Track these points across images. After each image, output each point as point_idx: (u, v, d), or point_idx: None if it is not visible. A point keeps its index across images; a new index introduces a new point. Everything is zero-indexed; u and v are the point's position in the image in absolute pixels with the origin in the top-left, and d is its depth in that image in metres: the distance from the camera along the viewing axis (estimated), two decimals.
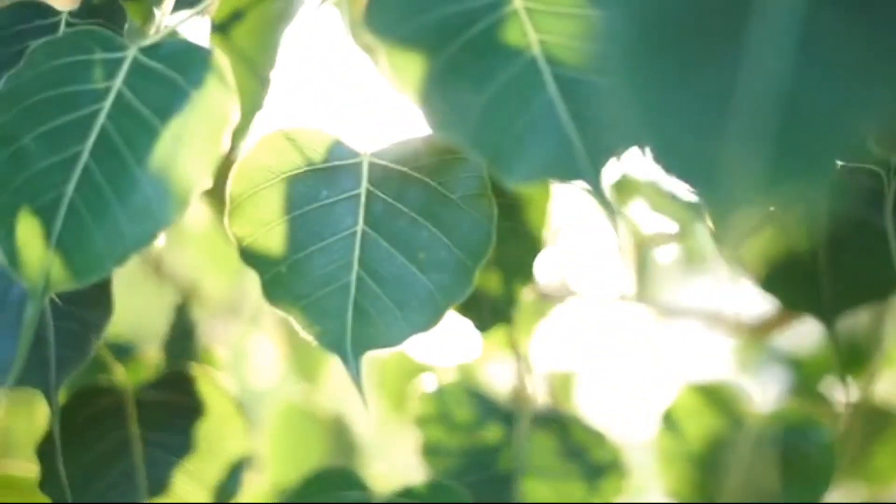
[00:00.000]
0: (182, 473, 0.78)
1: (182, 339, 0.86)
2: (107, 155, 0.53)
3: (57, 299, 0.68)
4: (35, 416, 0.96)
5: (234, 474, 0.79)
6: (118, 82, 0.55)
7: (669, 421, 0.90)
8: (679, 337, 1.17)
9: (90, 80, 0.55)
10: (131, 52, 0.56)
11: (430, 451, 0.84)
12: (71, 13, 0.68)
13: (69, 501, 0.75)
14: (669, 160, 0.32)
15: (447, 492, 0.77)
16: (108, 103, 0.54)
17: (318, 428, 1.05)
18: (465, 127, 0.51)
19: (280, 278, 0.56)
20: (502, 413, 0.86)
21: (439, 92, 0.51)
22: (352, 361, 0.55)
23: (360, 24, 0.92)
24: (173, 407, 0.80)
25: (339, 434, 1.04)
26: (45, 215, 0.53)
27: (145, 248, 0.52)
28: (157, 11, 0.66)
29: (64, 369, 0.70)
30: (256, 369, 1.17)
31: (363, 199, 0.57)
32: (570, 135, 0.50)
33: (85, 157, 0.54)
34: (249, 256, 0.56)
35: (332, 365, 1.08)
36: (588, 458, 0.85)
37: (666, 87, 0.32)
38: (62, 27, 0.67)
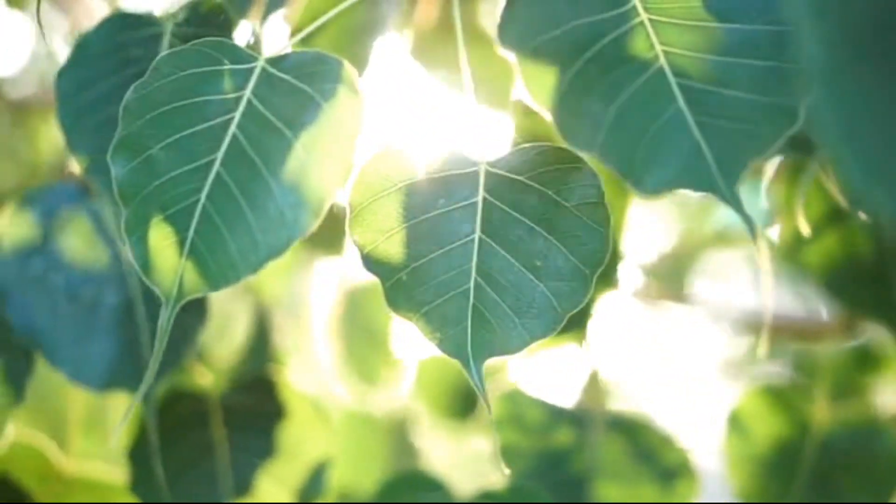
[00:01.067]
0: (265, 475, 0.79)
1: (260, 343, 0.87)
2: (239, 164, 0.54)
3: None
4: None
5: (317, 476, 0.80)
6: (247, 93, 0.56)
7: (736, 424, 0.91)
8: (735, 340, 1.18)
9: (219, 91, 0.56)
10: (259, 63, 0.57)
11: (506, 453, 0.85)
12: (177, 24, 0.68)
13: (161, 502, 0.76)
14: (866, 171, 0.33)
15: (527, 493, 0.78)
16: (238, 113, 0.55)
17: (377, 430, 1.06)
18: (596, 137, 0.52)
19: (401, 285, 0.57)
20: (571, 416, 0.87)
21: (570, 103, 0.52)
22: (473, 368, 0.56)
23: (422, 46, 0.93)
24: (257, 410, 0.81)
25: (399, 436, 1.05)
26: (178, 223, 0.54)
27: (279, 256, 0.53)
28: (251, 23, 0.67)
29: (159, 373, 0.71)
30: (314, 371, 1.18)
31: (480, 207, 0.58)
32: (701, 145, 0.51)
33: (217, 166, 0.55)
34: (371, 264, 0.57)
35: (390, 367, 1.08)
36: (659, 461, 0.86)
37: (867, 97, 0.33)
38: (166, 37, 0.68)
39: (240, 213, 0.54)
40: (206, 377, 0.82)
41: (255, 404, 0.81)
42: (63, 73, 0.68)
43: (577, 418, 0.87)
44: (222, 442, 0.81)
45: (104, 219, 0.76)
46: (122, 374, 0.73)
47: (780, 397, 0.91)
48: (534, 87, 0.52)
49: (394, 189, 0.57)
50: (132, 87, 0.57)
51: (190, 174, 0.55)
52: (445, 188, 0.58)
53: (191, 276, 0.54)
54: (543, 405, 0.87)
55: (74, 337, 0.73)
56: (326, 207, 0.53)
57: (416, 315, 0.56)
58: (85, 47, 0.69)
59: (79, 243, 0.75)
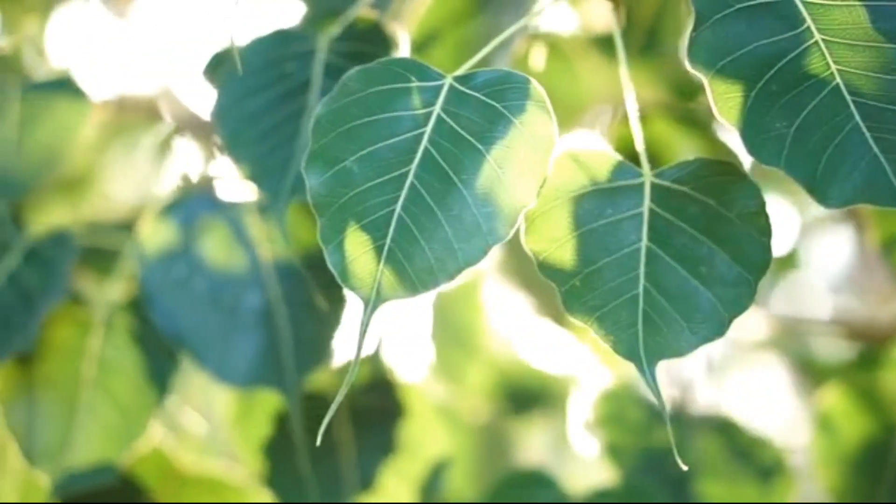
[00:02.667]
0: (388, 472, 0.82)
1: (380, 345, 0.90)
2: (433, 176, 0.58)
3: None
4: None
5: (437, 474, 0.83)
6: (437, 109, 0.59)
7: (824, 423, 0.94)
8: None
9: (409, 107, 0.59)
10: (447, 81, 0.60)
11: (611, 452, 0.88)
12: (332, 40, 0.72)
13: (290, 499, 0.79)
14: None
15: (641, 492, 0.81)
16: (429, 128, 0.59)
17: (468, 430, 1.09)
18: (780, 153, 0.55)
19: (575, 291, 0.60)
20: (669, 415, 0.90)
21: (755, 120, 0.55)
22: (646, 369, 0.59)
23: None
24: (380, 410, 0.84)
25: (489, 434, 1.08)
26: (375, 232, 0.57)
27: (476, 263, 0.57)
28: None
29: (299, 373, 0.74)
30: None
31: (646, 217, 0.61)
32: (881, 160, 0.54)
33: (411, 177, 0.58)
34: (546, 270, 0.60)
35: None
36: (755, 460, 0.89)
37: None
38: (321, 54, 0.71)
39: (436, 222, 0.57)
40: (332, 377, 0.84)
41: (379, 404, 0.84)
42: (223, 87, 0.71)
43: (674, 417, 0.90)
44: (348, 440, 0.84)
45: (242, 225, 0.78)
46: (265, 372, 0.76)
47: (867, 396, 0.94)
48: (721, 105, 0.55)
49: (564, 200, 0.60)
50: (322, 102, 0.60)
51: (384, 185, 0.58)
52: (612, 199, 0.61)
53: (389, 282, 0.57)
54: (643, 404, 0.90)
55: (217, 338, 0.77)
56: (521, 217, 0.56)
57: (590, 319, 0.60)
58: (242, 62, 0.72)
59: (218, 249, 0.78)
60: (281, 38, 0.73)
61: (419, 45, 0.82)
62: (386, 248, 0.57)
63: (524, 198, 0.56)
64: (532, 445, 1.21)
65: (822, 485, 0.94)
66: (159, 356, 0.78)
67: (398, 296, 0.57)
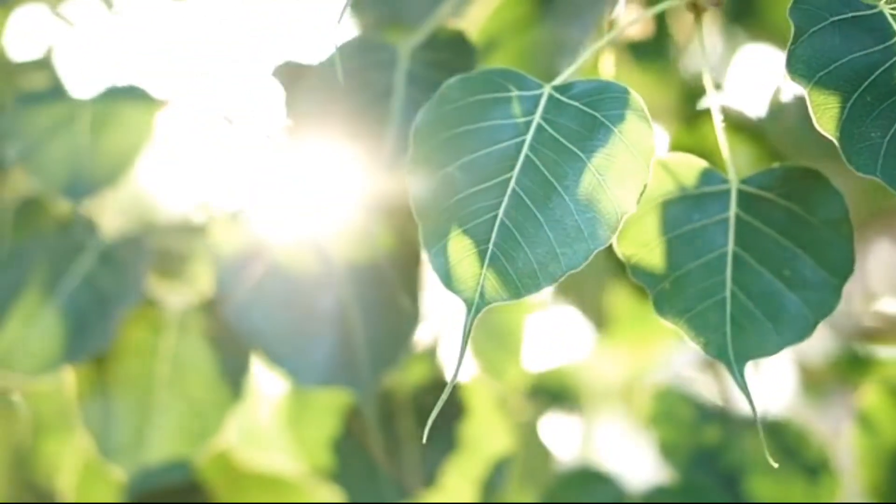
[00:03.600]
0: (450, 469, 0.84)
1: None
2: (534, 182, 0.59)
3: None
4: None
5: (499, 472, 0.85)
6: (537, 117, 0.61)
7: (865, 422, 0.96)
8: None
9: (509, 115, 0.61)
10: (546, 90, 0.62)
11: (664, 450, 0.90)
12: (414, 49, 0.73)
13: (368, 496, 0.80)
14: None
15: (699, 490, 0.83)
16: (529, 136, 0.61)
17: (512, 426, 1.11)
18: (875, 162, 0.58)
19: (665, 294, 0.62)
20: (717, 413, 0.93)
21: (851, 130, 0.58)
22: (736, 369, 0.61)
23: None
24: (442, 409, 0.86)
25: (531, 432, 1.10)
26: (478, 236, 0.59)
27: (579, 267, 0.58)
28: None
29: (375, 372, 0.76)
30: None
31: (732, 222, 0.63)
32: None
33: (512, 184, 0.60)
34: (637, 273, 0.62)
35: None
36: (802, 458, 0.91)
37: None
38: (403, 62, 0.73)
39: (538, 227, 0.59)
40: (397, 376, 0.86)
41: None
42: (308, 94, 0.73)
43: (722, 416, 0.92)
44: (411, 438, 0.85)
45: (317, 228, 0.80)
46: (339, 372, 0.78)
47: None
48: (820, 116, 0.57)
49: (653, 205, 0.63)
50: (421, 111, 0.62)
51: (487, 191, 0.60)
52: (699, 204, 0.63)
53: (491, 285, 0.59)
54: (692, 403, 0.92)
55: (291, 339, 0.78)
56: (623, 222, 0.58)
57: (679, 321, 0.62)
58: (324, 70, 0.74)
59: (289, 255, 0.80)
60: (364, 47, 0.75)
61: (481, 52, 0.84)
62: (489, 252, 0.59)
63: (625, 204, 0.58)
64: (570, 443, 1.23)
65: (862, 483, 0.95)
66: (233, 357, 0.80)
67: (501, 299, 0.59)
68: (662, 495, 0.84)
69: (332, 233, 0.79)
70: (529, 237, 0.59)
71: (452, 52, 0.73)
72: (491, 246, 0.59)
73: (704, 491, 0.84)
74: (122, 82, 0.88)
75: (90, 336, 0.80)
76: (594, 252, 0.58)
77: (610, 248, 0.60)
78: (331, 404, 0.90)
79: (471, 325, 0.59)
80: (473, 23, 0.87)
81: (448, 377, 0.89)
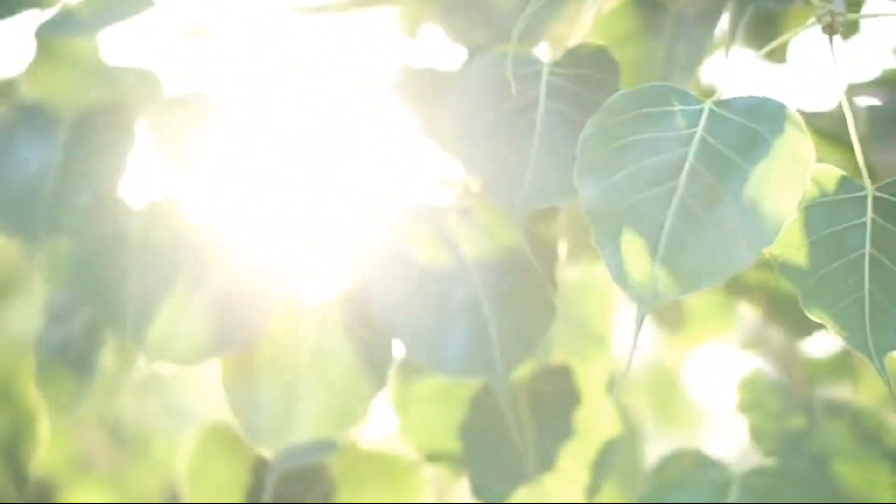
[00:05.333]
0: (565, 453, 0.90)
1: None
2: (699, 189, 0.66)
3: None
4: None
5: (610, 455, 0.90)
6: (699, 130, 0.67)
7: None
8: None
9: (673, 128, 0.67)
10: (707, 105, 0.68)
11: (755, 436, 0.96)
12: (555, 63, 0.80)
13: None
14: None
15: (795, 473, 0.89)
16: (693, 147, 0.67)
17: None
18: None
19: (811, 291, 0.68)
20: (799, 400, 0.99)
21: None
22: (876, 361, 0.68)
23: None
24: (556, 395, 0.92)
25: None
26: (648, 238, 0.66)
27: (744, 268, 0.65)
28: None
29: (508, 363, 0.82)
30: None
31: (869, 226, 0.70)
32: None
33: (679, 190, 0.66)
34: (786, 272, 0.69)
35: None
36: (882, 445, 0.97)
37: None
38: (544, 75, 0.79)
39: (704, 231, 0.65)
40: None
41: (556, 389, 0.91)
42: (448, 105, 0.79)
43: (804, 403, 0.98)
44: (527, 424, 0.91)
45: (445, 227, 0.86)
46: (475, 362, 0.84)
47: None
48: None
49: (799, 210, 0.69)
50: (590, 122, 0.68)
51: (654, 198, 0.66)
52: (838, 210, 0.70)
53: (663, 282, 0.65)
54: (778, 390, 0.99)
55: (429, 329, 0.84)
56: (784, 226, 0.65)
57: (825, 315, 0.68)
58: (466, 80, 0.80)
59: (425, 249, 0.86)
60: (505, 60, 0.81)
61: None
62: (659, 252, 0.65)
63: (786, 210, 0.65)
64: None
65: None
66: (374, 347, 0.86)
67: (671, 295, 0.65)
68: (760, 476, 0.89)
69: (469, 229, 0.84)
70: (696, 239, 0.65)
71: (595, 66, 0.79)
72: (661, 247, 0.65)
73: (801, 473, 0.89)
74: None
75: (240, 328, 0.85)
76: (758, 253, 0.65)
77: None
78: (453, 390, 0.97)
79: (643, 318, 0.65)
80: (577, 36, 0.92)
81: (565, 363, 0.94)
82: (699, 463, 0.92)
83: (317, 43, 1.17)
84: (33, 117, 1.06)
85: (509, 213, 0.78)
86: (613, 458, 0.91)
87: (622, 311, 1.14)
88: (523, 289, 0.84)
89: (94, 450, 2.60)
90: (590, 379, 0.92)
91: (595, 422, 0.91)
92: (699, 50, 0.85)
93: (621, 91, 0.69)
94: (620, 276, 0.65)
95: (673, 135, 0.67)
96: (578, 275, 1.10)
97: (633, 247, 0.65)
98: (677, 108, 0.68)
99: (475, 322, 0.83)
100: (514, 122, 0.79)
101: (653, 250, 0.65)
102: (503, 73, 0.80)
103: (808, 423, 0.97)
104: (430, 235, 0.86)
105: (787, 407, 0.98)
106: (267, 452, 0.86)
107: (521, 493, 0.90)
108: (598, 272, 1.14)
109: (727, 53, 0.81)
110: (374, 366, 0.86)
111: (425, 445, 1.01)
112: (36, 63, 1.13)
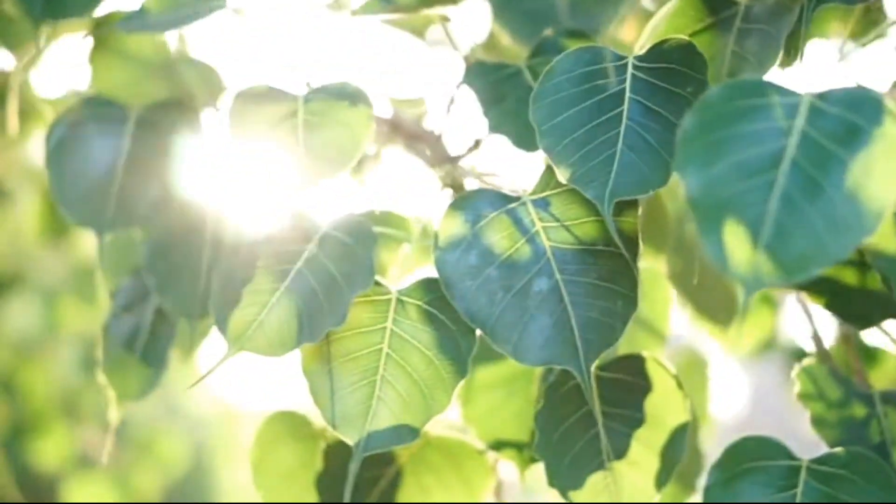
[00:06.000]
0: (636, 441, 0.92)
1: None
2: (801, 180, 0.68)
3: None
4: None
5: (679, 441, 0.92)
6: (799, 122, 0.69)
7: None
8: None
9: (772, 120, 0.69)
10: (805, 98, 0.70)
11: (817, 424, 0.98)
12: (637, 57, 0.81)
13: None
14: None
15: (865, 460, 0.91)
16: (793, 138, 0.69)
17: None
18: None
19: None
20: (856, 391, 1.01)
21: None
22: None
23: None
24: (627, 385, 0.94)
25: None
26: (752, 226, 0.67)
27: (847, 255, 0.67)
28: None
29: (590, 352, 0.83)
30: None
31: None
32: None
33: (780, 179, 0.68)
34: (878, 261, 0.71)
35: None
36: None
37: None
38: (629, 70, 0.81)
39: (806, 219, 0.67)
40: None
41: (626, 380, 0.93)
42: (538, 99, 0.81)
43: (861, 393, 1.00)
44: (599, 413, 0.93)
45: (520, 217, 0.88)
46: (557, 351, 0.86)
47: None
48: None
49: None
50: (688, 115, 0.70)
51: (756, 186, 0.68)
52: None
53: (766, 269, 0.67)
54: (836, 381, 1.01)
55: (511, 320, 0.86)
56: (887, 215, 0.67)
57: None
58: (551, 76, 0.82)
59: (503, 240, 0.87)
60: (592, 55, 0.83)
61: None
62: (762, 240, 0.67)
63: (887, 199, 0.67)
64: None
65: None
66: (457, 337, 0.87)
67: (773, 282, 0.67)
68: (829, 462, 0.91)
69: (546, 220, 0.86)
70: (799, 228, 0.67)
71: (681, 60, 0.80)
72: (763, 235, 0.67)
73: (869, 461, 0.91)
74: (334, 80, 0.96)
75: (324, 318, 0.86)
76: (859, 242, 0.67)
77: None
78: (516, 380, 0.99)
79: (747, 303, 0.67)
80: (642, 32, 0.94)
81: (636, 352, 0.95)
82: (768, 449, 0.93)
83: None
84: (102, 111, 1.08)
85: (598, 203, 0.79)
86: (682, 445, 0.93)
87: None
88: (603, 279, 0.85)
89: (96, 447, 2.61)
90: (659, 367, 0.94)
91: (665, 410, 0.93)
92: (771, 44, 0.87)
93: (719, 84, 0.71)
94: (723, 263, 0.67)
95: (772, 127, 0.69)
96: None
97: (735, 235, 0.67)
98: (775, 100, 0.70)
99: (556, 312, 0.85)
100: (601, 115, 0.81)
101: (755, 238, 0.67)
102: (589, 68, 0.82)
103: (867, 413, 0.99)
104: (508, 226, 0.87)
105: (846, 396, 1.00)
106: (348, 439, 0.87)
107: (593, 480, 0.91)
108: (657, 267, 1.16)
109: (802, 48, 0.82)
110: (456, 354, 0.87)
111: (489, 434, 1.03)
112: (94, 58, 1.15)
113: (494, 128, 0.93)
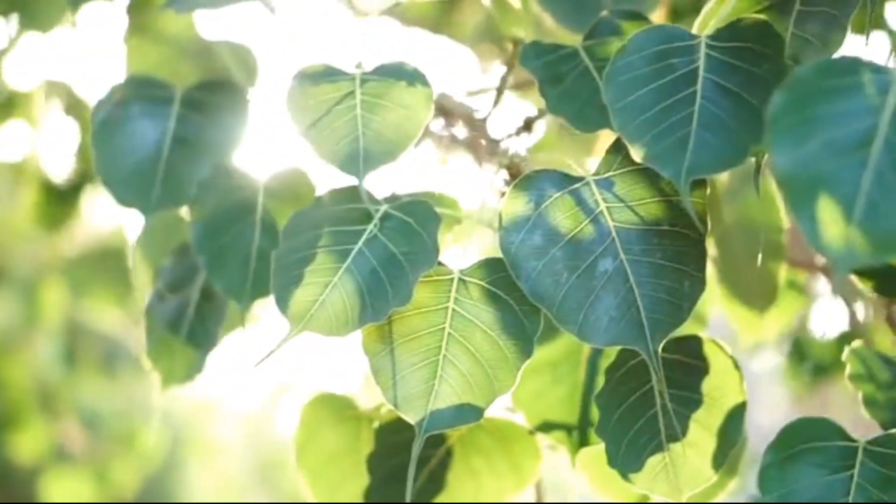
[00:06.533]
0: (694, 423, 0.92)
1: None
2: (893, 156, 0.68)
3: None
4: None
5: (736, 422, 0.92)
6: (892, 99, 0.69)
7: None
8: None
9: (863, 98, 0.70)
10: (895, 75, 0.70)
11: (868, 404, 0.98)
12: (710, 36, 0.82)
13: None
14: None
15: None
16: (884, 117, 0.69)
17: None
18: None
19: None
20: None
21: None
22: None
23: None
24: (685, 367, 0.94)
25: None
26: (845, 203, 0.68)
27: None
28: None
29: (657, 332, 0.83)
30: None
31: None
32: None
33: (874, 158, 0.68)
34: None
35: None
36: None
37: None
38: (702, 49, 0.81)
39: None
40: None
41: (685, 360, 0.93)
42: (610, 78, 0.81)
43: None
44: (659, 393, 0.93)
45: (585, 199, 0.88)
46: (623, 331, 0.86)
47: None
48: None
49: None
50: (777, 94, 0.70)
51: (848, 165, 0.68)
52: None
53: (860, 245, 0.67)
54: (884, 362, 1.01)
55: (577, 301, 0.86)
56: None
57: None
58: (623, 56, 0.82)
59: (567, 220, 0.87)
60: (664, 35, 0.83)
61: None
62: (854, 217, 0.67)
63: None
64: None
65: None
66: (520, 316, 0.87)
67: (867, 258, 0.68)
68: (889, 444, 0.91)
69: (610, 201, 0.86)
70: (891, 205, 0.67)
71: (757, 39, 0.81)
72: (856, 212, 0.67)
73: None
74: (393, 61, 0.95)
75: (389, 298, 0.86)
76: None
77: None
78: (564, 361, 0.99)
79: (842, 281, 0.67)
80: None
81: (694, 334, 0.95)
82: (824, 430, 0.93)
83: None
84: (147, 90, 1.07)
85: (675, 181, 0.79)
86: (739, 426, 0.93)
87: None
88: (669, 259, 0.85)
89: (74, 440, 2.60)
90: (717, 349, 0.94)
91: (722, 391, 0.93)
92: (836, 26, 0.87)
93: (809, 64, 0.71)
94: (817, 240, 0.67)
95: (864, 104, 0.69)
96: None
97: (828, 212, 0.67)
98: (867, 78, 0.70)
99: (621, 292, 0.85)
100: (674, 94, 0.81)
101: (848, 215, 0.67)
102: (661, 47, 0.82)
103: None
104: (572, 206, 0.87)
105: (893, 379, 1.00)
106: (410, 419, 0.87)
107: (652, 462, 0.91)
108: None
109: (868, 31, 0.82)
110: (521, 334, 0.87)
111: (537, 416, 1.03)
112: (129, 40, 1.14)
113: (553, 108, 0.93)
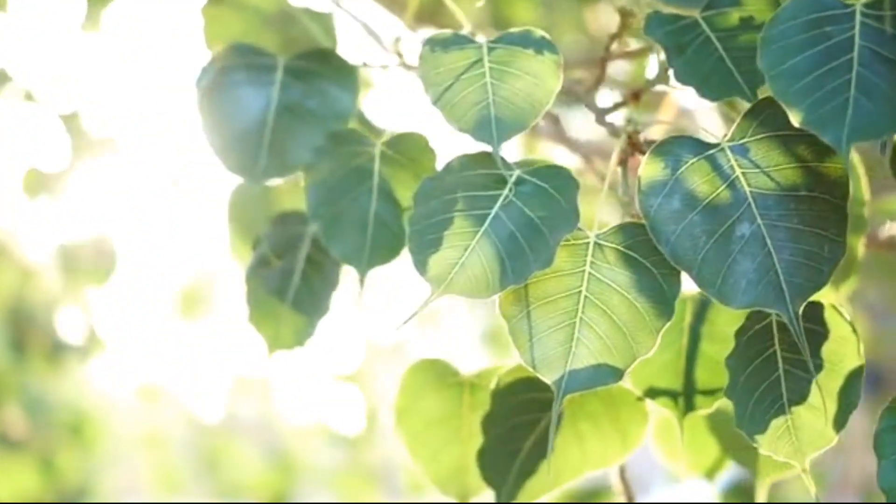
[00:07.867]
0: (814, 386, 0.93)
1: None
2: None
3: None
4: None
5: (854, 385, 0.94)
6: None
7: None
8: None
9: None
10: None
11: None
12: (865, 4, 0.83)
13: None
14: None
15: None
16: None
17: None
18: None
19: None
20: None
21: None
22: None
23: None
24: (807, 332, 0.95)
25: None
26: None
27: None
28: None
29: (796, 294, 0.85)
30: None
31: None
32: None
33: None
34: None
35: None
36: None
37: None
38: (857, 17, 0.83)
39: None
40: None
41: (807, 325, 0.94)
42: (765, 45, 0.83)
43: None
44: (780, 359, 0.94)
45: (721, 165, 0.89)
46: (762, 294, 0.87)
47: None
48: None
49: None
50: None
51: None
52: None
53: None
54: None
55: (715, 264, 0.87)
56: None
57: None
58: (776, 23, 0.84)
59: (704, 185, 0.89)
60: (817, 3, 0.84)
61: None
62: None
63: None
64: None
65: None
66: (658, 279, 0.88)
67: None
68: None
69: (746, 166, 0.87)
70: None
71: None
72: None
73: None
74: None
75: (530, 261, 0.87)
76: None
77: None
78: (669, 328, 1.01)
79: None
80: None
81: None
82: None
83: None
84: (250, 58, 1.07)
85: (836, 146, 0.81)
86: (858, 389, 0.94)
87: None
88: (807, 224, 0.87)
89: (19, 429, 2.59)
90: (836, 314, 0.95)
91: (841, 355, 0.94)
92: None
93: None
94: None
95: None
96: None
97: None
98: None
99: (758, 256, 0.86)
100: (830, 61, 0.83)
101: None
102: (814, 14, 0.83)
103: None
104: (708, 171, 0.89)
105: None
106: (548, 379, 0.88)
107: (776, 424, 0.93)
108: None
109: None
110: (659, 296, 0.88)
111: (643, 382, 1.04)
112: (207, 11, 1.14)
113: (681, 77, 0.94)
